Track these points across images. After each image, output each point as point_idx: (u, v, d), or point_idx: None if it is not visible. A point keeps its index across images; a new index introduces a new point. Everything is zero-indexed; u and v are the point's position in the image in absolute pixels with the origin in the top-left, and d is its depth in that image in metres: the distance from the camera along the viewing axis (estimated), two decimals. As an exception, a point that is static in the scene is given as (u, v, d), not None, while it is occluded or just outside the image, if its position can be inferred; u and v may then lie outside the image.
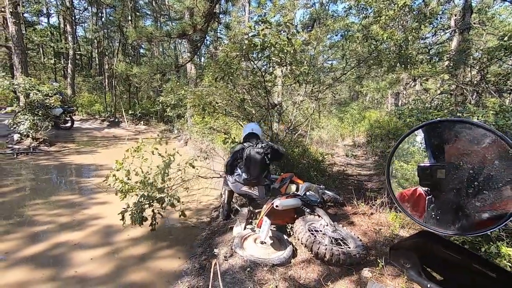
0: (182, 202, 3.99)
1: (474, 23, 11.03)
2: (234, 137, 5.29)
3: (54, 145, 8.40)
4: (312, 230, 2.81)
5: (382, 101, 18.05)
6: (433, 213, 0.85)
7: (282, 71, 5.75)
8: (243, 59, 5.06)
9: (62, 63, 18.65)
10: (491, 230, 0.72)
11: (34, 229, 3.41)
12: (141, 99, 18.10)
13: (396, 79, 10.18)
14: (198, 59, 19.24)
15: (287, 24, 4.63)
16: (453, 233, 0.80)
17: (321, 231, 2.81)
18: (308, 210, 3.12)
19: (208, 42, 20.53)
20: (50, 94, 8.56)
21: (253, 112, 5.53)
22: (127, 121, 13.93)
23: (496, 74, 5.45)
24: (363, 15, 8.06)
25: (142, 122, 14.54)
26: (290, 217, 3.08)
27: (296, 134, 6.52)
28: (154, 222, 3.26)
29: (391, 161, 0.98)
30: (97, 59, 21.46)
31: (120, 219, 3.16)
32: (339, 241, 2.71)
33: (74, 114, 11.56)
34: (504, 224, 0.71)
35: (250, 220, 3.22)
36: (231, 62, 4.80)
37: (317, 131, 9.87)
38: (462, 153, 0.83)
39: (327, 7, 15.63)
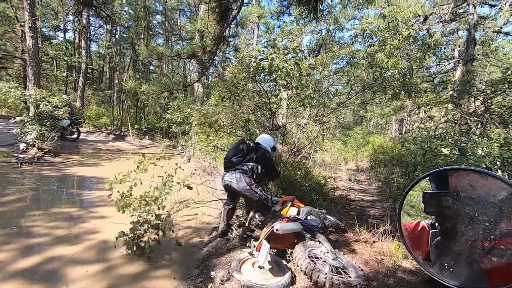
0: (181, 220, 3.97)
1: (478, 55, 11.25)
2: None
3: (59, 156, 8.46)
4: (312, 257, 2.74)
5: (386, 127, 18.12)
6: (445, 264, 0.81)
7: (287, 94, 5.85)
8: (250, 81, 5.18)
9: (74, 76, 19.20)
10: None
11: (30, 241, 3.37)
12: (147, 114, 18.40)
13: (401, 106, 10.28)
14: (206, 79, 19.70)
15: (295, 50, 4.77)
16: (463, 287, 0.75)
17: (321, 258, 2.74)
18: (308, 235, 3.06)
19: (216, 62, 21.08)
20: (59, 106, 8.76)
21: (257, 132, 5.58)
22: (132, 135, 14.08)
23: (500, 106, 5.48)
24: (369, 43, 8.30)
25: (147, 137, 14.69)
26: (290, 242, 3.02)
27: (299, 156, 6.53)
28: (149, 251, 3.22)
29: (402, 206, 0.95)
30: (108, 74, 22.10)
31: (119, 241, 3.16)
32: (340, 269, 2.63)
33: (81, 126, 11.73)
34: None
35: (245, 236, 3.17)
36: (238, 83, 4.92)
37: (321, 154, 9.86)
38: (477, 203, 0.79)
39: (333, 34, 16.13)
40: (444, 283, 0.77)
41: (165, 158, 3.75)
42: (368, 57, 6.21)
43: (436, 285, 0.82)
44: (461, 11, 10.46)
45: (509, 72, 4.29)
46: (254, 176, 3.35)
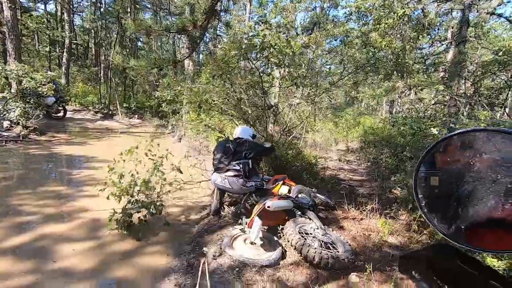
0: (173, 199, 3.97)
1: (470, 37, 11.23)
2: (228, 136, 5.28)
3: (45, 134, 8.24)
4: (302, 233, 2.82)
5: (377, 108, 18.25)
6: (462, 226, 0.80)
7: (280, 73, 5.75)
8: (241, 58, 5.04)
9: (57, 51, 18.30)
10: None
11: (19, 219, 3.33)
12: (136, 93, 17.92)
13: (392, 87, 10.31)
14: (197, 56, 19.14)
15: (288, 26, 4.65)
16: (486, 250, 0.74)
17: (311, 234, 2.82)
18: (299, 213, 3.13)
19: (207, 40, 20.46)
20: (43, 82, 8.41)
21: (249, 112, 5.51)
22: (121, 114, 13.77)
23: (489, 88, 5.55)
24: (363, 22, 8.14)
25: (136, 116, 14.39)
26: (281, 219, 3.08)
27: (291, 136, 6.53)
28: (140, 230, 3.24)
29: (418, 171, 0.90)
30: (93, 50, 21.13)
31: (110, 223, 3.15)
32: (329, 244, 2.72)
33: (67, 104, 11.37)
34: None
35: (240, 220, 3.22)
36: (229, 60, 4.79)
37: (312, 134, 9.91)
38: (501, 164, 0.76)
39: (328, 12, 15.75)
40: (459, 245, 0.76)
41: (155, 137, 3.68)
42: (362, 36, 6.11)
43: (442, 247, 0.82)
44: (456, -10, 10.28)
45: (500, 53, 4.31)
46: (247, 174, 3.34)
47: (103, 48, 17.63)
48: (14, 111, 7.76)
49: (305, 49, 6.29)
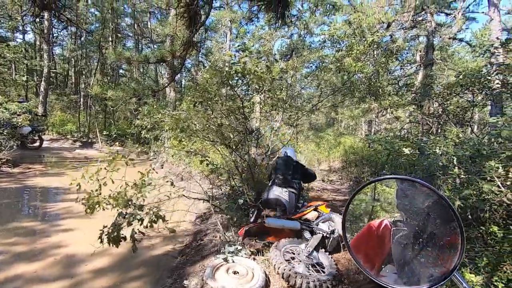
0: (167, 221, 3.84)
1: (437, 59, 12.09)
2: (211, 160, 5.28)
3: (18, 166, 7.90)
4: (289, 252, 2.86)
5: (356, 128, 18.86)
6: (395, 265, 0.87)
7: (260, 98, 5.91)
8: (222, 85, 5.16)
9: (35, 80, 17.99)
10: (434, 286, 0.75)
11: (-15, 260, 3.12)
12: (117, 120, 17.69)
13: (368, 108, 10.78)
14: (179, 84, 19.37)
15: (267, 53, 4.86)
16: (398, 287, 0.81)
17: (296, 255, 2.83)
18: (308, 234, 3.15)
19: (189, 66, 20.84)
20: (18, 113, 8.19)
21: (231, 136, 5.56)
22: (101, 142, 13.47)
23: (456, 107, 5.91)
24: (337, 48, 8.63)
25: (117, 143, 14.11)
26: (285, 235, 3.13)
27: (274, 159, 6.59)
28: (135, 241, 3.06)
29: (346, 213, 0.98)
30: (73, 78, 20.95)
31: (98, 240, 2.96)
32: (315, 266, 2.74)
33: (44, 134, 11.05)
34: (446, 280, 0.73)
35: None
36: (210, 88, 4.89)
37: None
38: (409, 209, 0.87)
39: (304, 38, 16.55)
40: (379, 282, 0.83)
41: (133, 164, 3.61)
42: (336, 61, 6.46)
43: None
44: (420, 18, 11.21)
45: (461, 76, 4.68)
46: (299, 193, 3.63)
47: (83, 76, 17.54)
48: (-15, 143, 7.45)
49: (284, 74, 6.54)
